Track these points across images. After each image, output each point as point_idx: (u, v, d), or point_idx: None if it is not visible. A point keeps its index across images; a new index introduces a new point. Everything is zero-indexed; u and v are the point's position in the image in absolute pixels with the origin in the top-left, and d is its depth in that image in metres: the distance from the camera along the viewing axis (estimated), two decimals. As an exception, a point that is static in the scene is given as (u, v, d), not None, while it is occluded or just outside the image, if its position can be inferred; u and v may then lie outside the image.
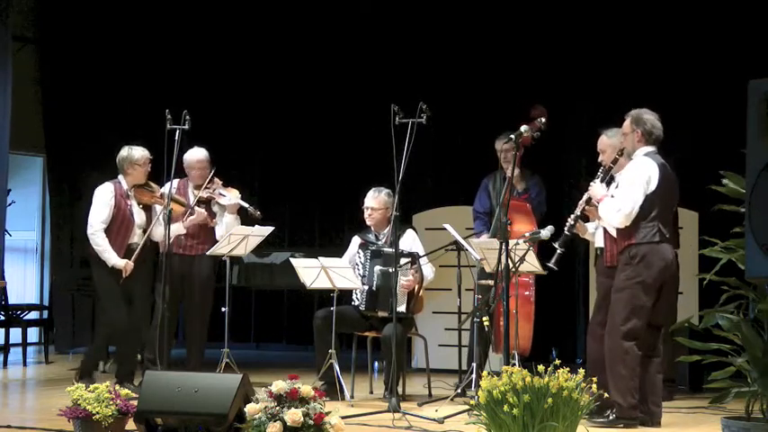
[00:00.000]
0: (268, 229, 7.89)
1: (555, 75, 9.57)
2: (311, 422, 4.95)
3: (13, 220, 10.16)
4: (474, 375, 7.35)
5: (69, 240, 11.20)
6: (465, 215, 8.58)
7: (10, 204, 10.04)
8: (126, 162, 7.72)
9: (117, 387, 5.57)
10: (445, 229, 7.69)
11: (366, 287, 7.46)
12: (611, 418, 6.10)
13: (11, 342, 9.76)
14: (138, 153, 7.72)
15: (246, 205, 7.97)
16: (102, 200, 7.66)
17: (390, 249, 7.17)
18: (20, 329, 9.74)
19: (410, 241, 7.61)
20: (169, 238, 7.38)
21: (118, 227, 7.65)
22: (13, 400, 8.05)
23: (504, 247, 5.90)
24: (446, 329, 8.92)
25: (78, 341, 10.76)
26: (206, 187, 8.00)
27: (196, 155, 8.05)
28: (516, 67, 9.75)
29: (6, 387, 8.59)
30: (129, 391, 5.66)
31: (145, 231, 7.74)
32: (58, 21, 11.34)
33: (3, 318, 9.73)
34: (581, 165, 9.10)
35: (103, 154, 7.91)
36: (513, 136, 6.24)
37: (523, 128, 6.29)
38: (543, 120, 6.69)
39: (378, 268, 7.40)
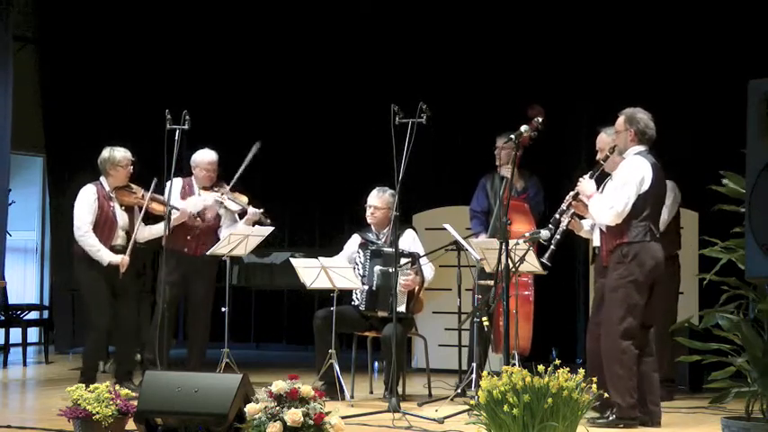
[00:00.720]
0: (268, 229, 7.90)
1: (554, 75, 9.57)
2: (311, 422, 4.95)
3: (13, 220, 10.16)
4: (474, 375, 7.35)
5: (69, 240, 11.18)
6: (465, 215, 8.58)
7: (10, 204, 10.03)
8: (108, 163, 7.70)
9: (117, 387, 5.57)
10: (445, 229, 7.69)
11: (366, 287, 7.46)
12: (611, 418, 6.10)
13: (11, 342, 9.77)
14: (120, 154, 7.70)
15: (262, 217, 7.96)
16: (87, 201, 7.64)
17: (390, 249, 7.17)
18: (20, 329, 9.75)
19: (410, 241, 7.61)
20: (169, 237, 7.37)
21: (101, 228, 7.63)
22: (13, 400, 8.05)
23: (504, 247, 5.90)
24: (446, 329, 8.92)
25: (78, 341, 10.72)
26: (216, 190, 8.01)
27: (207, 156, 8.05)
28: (516, 67, 9.75)
29: (6, 387, 8.59)
30: (129, 391, 5.66)
31: (127, 233, 7.71)
32: (58, 21, 11.34)
33: (3, 318, 9.73)
34: (580, 165, 9.10)
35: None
36: (512, 136, 6.24)
37: (523, 128, 6.30)
38: (540, 119, 6.69)
39: (378, 268, 7.40)
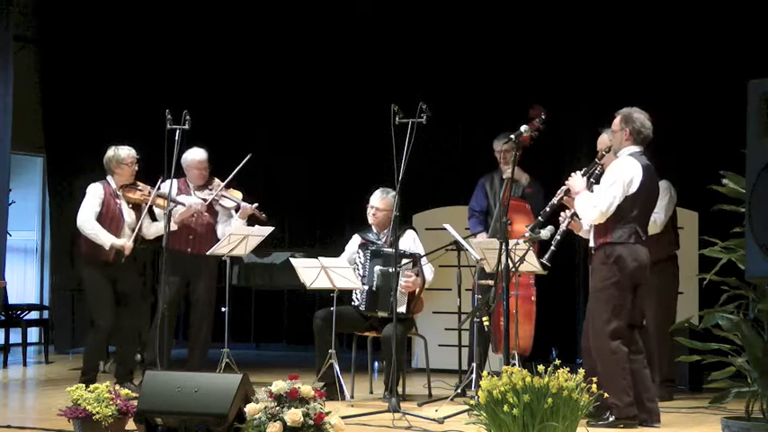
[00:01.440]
0: (268, 229, 7.90)
1: (555, 75, 9.57)
2: (311, 422, 4.95)
3: (13, 220, 10.15)
4: (474, 375, 7.35)
5: (69, 240, 11.18)
6: (465, 215, 8.57)
7: (10, 204, 10.03)
8: (113, 162, 7.76)
9: (117, 387, 5.57)
10: (445, 229, 7.69)
11: (366, 287, 7.46)
12: (610, 419, 6.09)
13: (11, 342, 9.77)
14: (124, 153, 7.76)
15: (256, 211, 7.97)
16: (92, 196, 7.72)
17: (390, 249, 7.17)
18: (20, 329, 9.75)
19: (410, 242, 7.61)
20: (168, 235, 7.38)
21: (108, 226, 7.66)
22: (13, 400, 8.05)
23: (504, 247, 5.90)
24: (446, 329, 8.91)
25: (78, 341, 10.74)
26: (210, 189, 8.02)
27: (197, 155, 8.07)
28: (516, 68, 9.75)
29: (6, 387, 8.59)
30: (129, 391, 5.66)
31: (134, 231, 7.73)
32: (58, 21, 11.34)
33: (3, 318, 9.74)
34: (581, 165, 9.08)
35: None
36: (513, 136, 6.23)
37: (523, 128, 6.30)
38: (541, 119, 6.68)
39: (378, 268, 7.40)
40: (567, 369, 4.63)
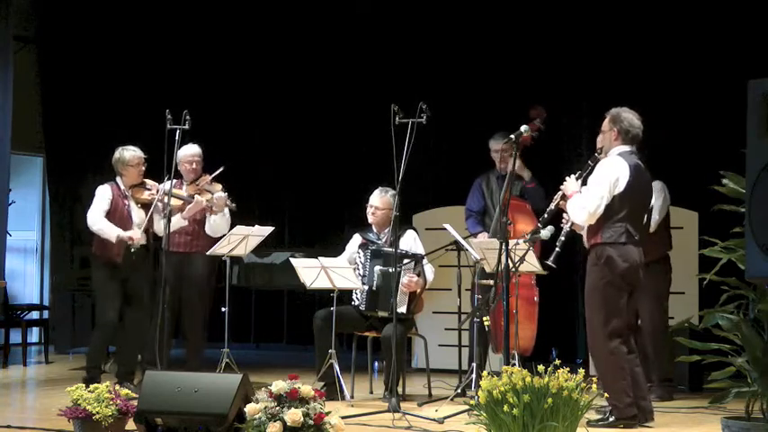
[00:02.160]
0: (268, 229, 7.90)
1: (555, 75, 9.56)
2: (311, 422, 4.96)
3: (13, 220, 10.16)
4: (474, 375, 7.35)
5: (69, 240, 11.21)
6: (464, 215, 8.57)
7: (10, 204, 10.03)
8: (119, 164, 7.83)
9: (117, 387, 5.58)
10: (445, 229, 7.69)
11: (366, 287, 7.46)
12: (610, 419, 6.09)
13: (11, 342, 9.77)
14: (130, 154, 7.81)
15: (227, 201, 7.95)
16: (101, 196, 7.76)
17: (391, 249, 7.17)
18: (20, 329, 9.75)
19: (411, 242, 7.61)
20: (168, 235, 7.38)
21: (116, 226, 7.67)
22: (13, 400, 8.05)
23: (504, 247, 5.90)
24: (446, 329, 8.91)
25: (78, 341, 10.76)
26: (198, 184, 8.04)
27: (189, 151, 8.08)
28: (516, 68, 9.74)
29: (6, 387, 8.58)
30: (129, 391, 5.67)
31: (145, 231, 7.75)
32: (58, 21, 11.34)
33: (3, 318, 9.74)
34: (581, 165, 9.08)
35: (103, 154, 7.94)
36: (513, 136, 6.23)
37: (523, 127, 6.29)
38: (542, 119, 6.68)
39: (378, 268, 7.40)
40: (567, 369, 4.64)
